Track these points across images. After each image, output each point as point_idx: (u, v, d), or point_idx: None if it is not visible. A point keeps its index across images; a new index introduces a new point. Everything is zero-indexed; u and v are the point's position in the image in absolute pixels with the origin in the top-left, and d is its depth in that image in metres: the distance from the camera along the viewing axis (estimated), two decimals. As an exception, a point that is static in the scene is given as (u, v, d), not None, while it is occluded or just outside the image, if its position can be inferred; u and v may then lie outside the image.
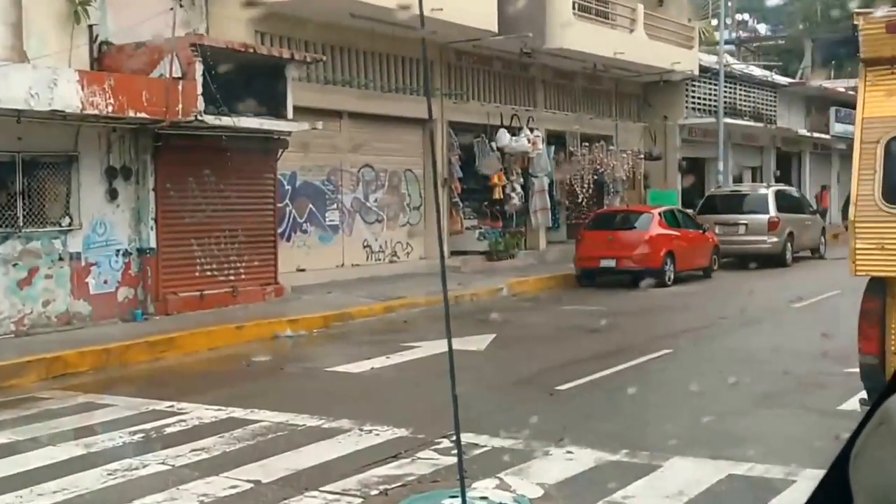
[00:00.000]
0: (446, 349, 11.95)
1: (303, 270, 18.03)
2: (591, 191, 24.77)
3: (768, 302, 17.20)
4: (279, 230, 16.83)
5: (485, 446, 7.61)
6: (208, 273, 15.10)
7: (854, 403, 8.77)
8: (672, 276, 19.98)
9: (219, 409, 9.03)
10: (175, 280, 14.64)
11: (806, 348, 12.06)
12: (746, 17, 67.97)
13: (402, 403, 9.61)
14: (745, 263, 23.12)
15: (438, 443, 7.73)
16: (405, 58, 20.16)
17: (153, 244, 14.29)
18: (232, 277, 15.43)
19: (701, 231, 21.65)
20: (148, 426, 8.49)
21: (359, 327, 14.75)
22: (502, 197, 21.99)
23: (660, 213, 20.57)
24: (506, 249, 21.99)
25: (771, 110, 33.58)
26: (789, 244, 24.31)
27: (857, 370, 11.02)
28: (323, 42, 18.17)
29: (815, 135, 36.26)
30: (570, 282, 20.27)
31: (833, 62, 49.33)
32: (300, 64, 16.20)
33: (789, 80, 35.37)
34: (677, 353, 11.95)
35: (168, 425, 8.54)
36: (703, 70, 28.36)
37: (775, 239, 23.71)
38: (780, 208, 24.06)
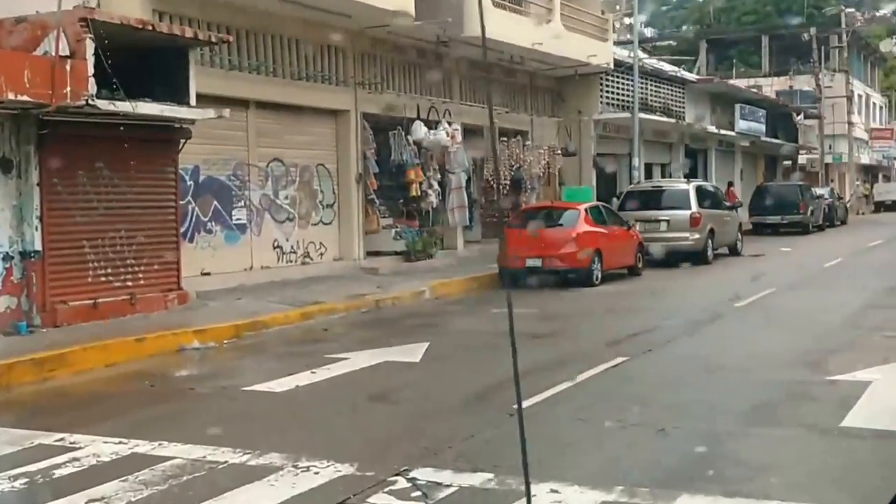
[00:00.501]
0: (378, 361, 10.39)
1: (208, 274, 16.27)
2: (508, 188, 23.54)
3: (706, 302, 16.13)
4: (181, 230, 15.06)
5: (451, 486, 6.16)
6: (103, 279, 13.24)
7: (853, 419, 7.64)
8: (599, 276, 18.83)
9: (119, 443, 7.37)
10: (64, 287, 12.76)
11: (772, 353, 10.94)
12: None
13: (341, 431, 8.07)
14: (666, 261, 22.13)
15: (393, 482, 6.26)
16: (319, 44, 18.56)
17: (38, 247, 12.38)
18: (129, 283, 13.60)
19: (626, 228, 20.58)
20: (33, 468, 6.79)
21: (275, 337, 13.13)
22: (419, 194, 20.54)
23: (586, 210, 19.38)
24: (424, 249, 20.54)
25: (680, 107, 32.91)
26: (710, 241, 23.47)
27: (841, 377, 10.02)
28: (228, 24, 16.45)
29: (722, 132, 35.78)
30: (494, 283, 18.94)
31: (734, 61, 49.44)
32: (203, 45, 14.49)
33: (697, 76, 34.75)
34: (634, 361, 10.67)
35: (58, 466, 6.85)
36: (616, 65, 27.39)
37: (697, 235, 22.81)
38: (700, 204, 23.20)
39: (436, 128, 20.64)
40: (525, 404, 8.54)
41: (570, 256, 18.33)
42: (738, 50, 62.66)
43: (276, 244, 18.14)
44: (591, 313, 15.45)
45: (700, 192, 23.68)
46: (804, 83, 55.45)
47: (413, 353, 11.39)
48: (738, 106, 37.33)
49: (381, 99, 20.15)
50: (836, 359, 10.47)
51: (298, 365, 10.75)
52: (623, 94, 28.47)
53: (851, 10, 59.92)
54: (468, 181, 22.27)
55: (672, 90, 32.35)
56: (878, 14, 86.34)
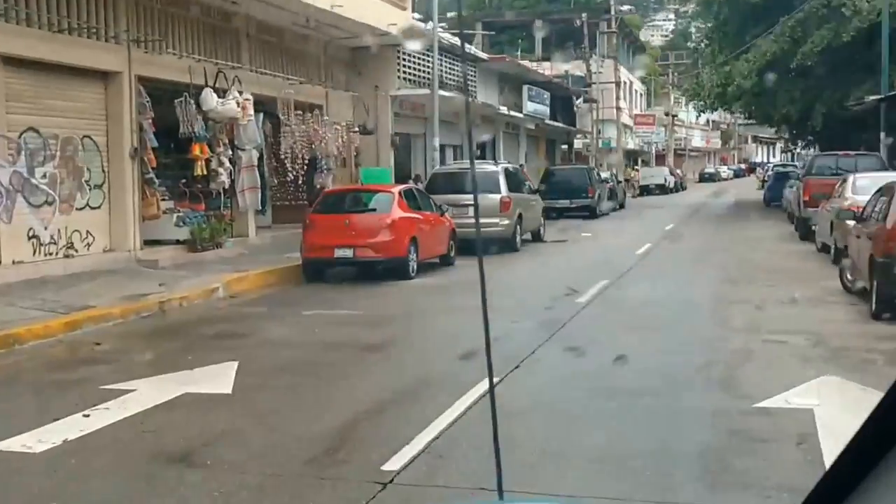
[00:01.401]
0: (175, 394, 7.12)
1: (-59, 272, 12.67)
2: (304, 168, 20.73)
3: (544, 298, 14.04)
4: None
5: None
6: None
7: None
8: (416, 267, 16.45)
9: None
10: None
11: (668, 369, 8.86)
12: None
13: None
14: (471, 248, 20.03)
15: None
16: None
17: None
18: None
19: (440, 213, 18.30)
20: None
21: (31, 357, 9.90)
22: (206, 173, 17.39)
23: (400, 194, 16.89)
24: (212, 238, 17.42)
25: (472, 85, 31.02)
26: (519, 227, 21.61)
27: (771, 405, 8.06)
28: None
29: (512, 113, 34.25)
30: (296, 276, 16.18)
31: (517, 45, 48.32)
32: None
33: (488, 55, 33.03)
34: (506, 385, 8.29)
35: None
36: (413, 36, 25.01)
37: (507, 221, 20.86)
38: (509, 188, 21.26)
39: (224, 97, 17.53)
40: (397, 462, 6.05)
41: (386, 245, 15.83)
42: (510, 35, 62.12)
43: (31, 234, 14.53)
44: (422, 314, 13.00)
45: (508, 175, 21.75)
46: (576, 69, 55.29)
47: (220, 379, 8.56)
48: (525, 87, 35.95)
49: (161, 60, 16.80)
50: (745, 376, 8.53)
51: (65, 403, 7.72)
52: (420, 70, 26.19)
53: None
54: (260, 158, 19.27)
55: (467, 69, 30.38)
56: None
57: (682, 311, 12.40)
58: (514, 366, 8.97)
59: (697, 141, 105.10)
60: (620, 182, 45.68)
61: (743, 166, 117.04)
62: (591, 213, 33.93)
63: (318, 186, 21.54)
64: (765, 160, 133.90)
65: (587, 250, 22.03)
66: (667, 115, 79.10)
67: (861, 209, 13.71)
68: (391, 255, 15.86)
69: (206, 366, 9.17)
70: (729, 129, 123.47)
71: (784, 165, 64.49)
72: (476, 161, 25.70)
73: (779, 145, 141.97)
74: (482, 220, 20.53)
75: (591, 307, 12.80)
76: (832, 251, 17.82)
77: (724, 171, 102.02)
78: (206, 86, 17.27)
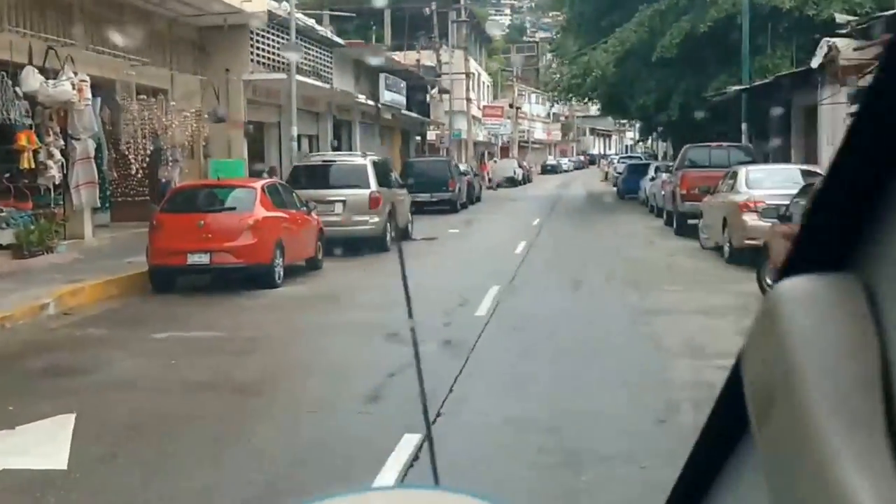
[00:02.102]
0: None
1: None
2: (147, 160, 18.20)
3: (437, 311, 12.09)
4: None
5: None
6: None
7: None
8: (282, 273, 14.32)
9: None
10: None
11: (620, 417, 7.15)
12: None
13: None
14: (336, 249, 18.06)
15: None
16: None
17: None
18: None
19: (306, 212, 16.19)
20: None
21: None
22: (34, 166, 14.70)
23: (263, 190, 14.65)
24: (41, 241, 14.75)
25: (328, 72, 28.82)
26: (389, 224, 19.68)
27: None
28: None
29: (370, 102, 32.23)
30: (142, 286, 13.77)
31: (370, 30, 46.29)
32: None
33: (346, 40, 30.85)
34: (445, 445, 6.36)
35: None
36: (269, 18, 22.71)
37: (377, 219, 18.90)
38: (379, 182, 19.32)
39: (56, 78, 14.87)
40: None
41: (248, 250, 13.61)
42: (356, 24, 59.92)
43: None
44: (298, 335, 10.91)
45: (377, 167, 19.77)
46: (426, 59, 53.66)
47: (52, 444, 6.34)
48: (382, 75, 33.99)
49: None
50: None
51: None
52: (275, 54, 23.86)
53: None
54: (97, 150, 16.64)
55: (321, 53, 28.21)
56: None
57: (599, 328, 10.75)
58: (435, 412, 7.06)
59: (539, 133, 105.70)
60: (477, 175, 44.37)
61: (582, 158, 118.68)
62: (452, 207, 32.33)
63: (164, 180, 19.04)
64: (601, 152, 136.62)
65: (462, 250, 20.32)
66: (511, 107, 78.56)
67: (784, 208, 12.42)
68: (254, 261, 13.66)
69: (32, 421, 6.91)
70: (569, 121, 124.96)
71: (630, 157, 65.00)
72: (341, 153, 23.65)
73: (615, 138, 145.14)
74: (349, 217, 18.62)
75: (494, 324, 10.98)
76: (726, 250, 16.76)
77: (565, 162, 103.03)
78: (30, 64, 14.55)
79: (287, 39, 22.97)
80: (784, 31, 30.41)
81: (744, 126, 28.43)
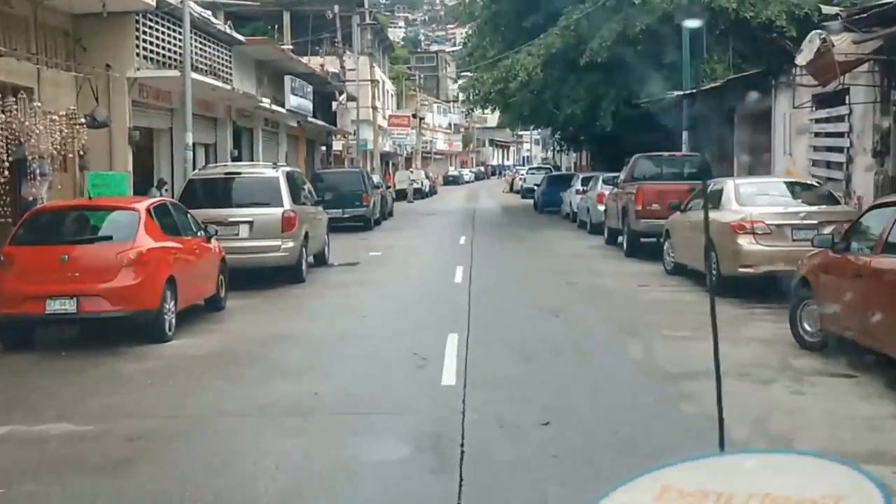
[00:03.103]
0: None
1: None
2: (6, 174, 14.44)
3: (389, 379, 8.92)
4: None
5: None
6: None
7: None
8: (174, 322, 10.89)
9: None
10: None
11: None
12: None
13: None
14: (240, 281, 14.75)
15: None
16: None
17: None
18: None
19: (206, 238, 12.78)
20: None
21: None
22: None
23: (149, 211, 11.14)
24: None
25: (227, 72, 25.23)
26: (305, 249, 16.38)
27: None
28: None
29: (275, 107, 28.68)
30: (-15, 343, 10.22)
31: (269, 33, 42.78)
32: None
33: (247, 37, 27.16)
34: None
35: None
36: (157, 7, 19.10)
37: (291, 243, 15.56)
38: (294, 197, 15.98)
39: None
40: None
41: (128, 293, 10.15)
42: (254, 27, 56.01)
43: None
44: (203, 427, 7.49)
45: (291, 181, 16.41)
46: (330, 65, 50.19)
47: None
48: (288, 78, 30.43)
49: None
50: None
51: None
52: (165, 48, 20.21)
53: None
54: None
55: (219, 51, 24.62)
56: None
57: (630, 412, 7.68)
58: None
59: (441, 144, 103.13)
60: (389, 188, 41.18)
61: (482, 169, 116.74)
62: (366, 224, 29.06)
63: (30, 199, 15.29)
64: (500, 163, 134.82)
65: (391, 279, 17.06)
66: (415, 117, 75.53)
67: (841, 233, 9.57)
68: (136, 308, 10.20)
69: None
70: (469, 132, 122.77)
71: (539, 168, 62.58)
72: (247, 164, 20.14)
73: (513, 149, 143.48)
74: (259, 243, 15.30)
75: (474, 400, 7.80)
76: (711, 278, 14.00)
77: (467, 174, 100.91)
78: None
79: (179, 32, 19.39)
80: (720, 34, 28.10)
81: (685, 135, 25.96)
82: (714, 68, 27.67)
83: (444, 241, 24.67)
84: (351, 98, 47.31)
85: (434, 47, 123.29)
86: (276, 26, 51.12)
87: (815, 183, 16.02)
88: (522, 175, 62.08)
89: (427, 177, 62.51)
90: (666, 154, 22.31)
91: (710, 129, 27.80)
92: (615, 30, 28.13)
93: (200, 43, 22.97)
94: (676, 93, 26.06)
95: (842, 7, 16.81)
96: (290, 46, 37.20)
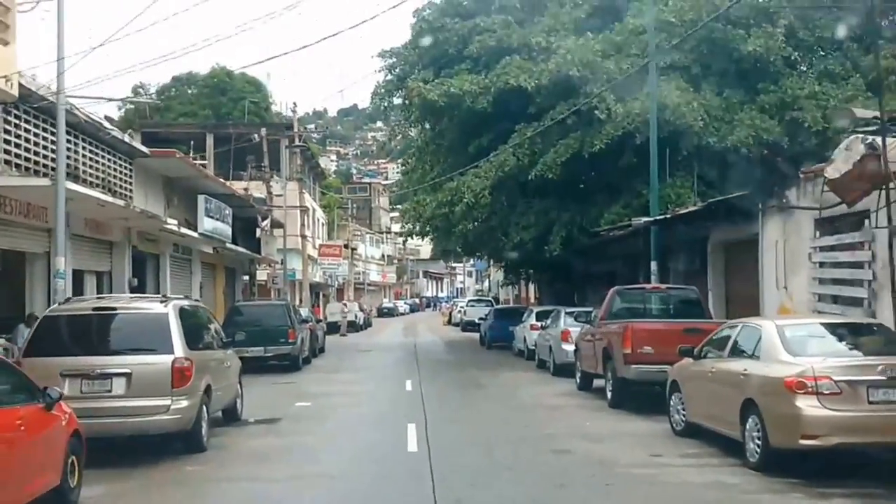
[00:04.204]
0: None
1: None
2: None
3: None
4: None
5: None
6: None
7: None
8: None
9: None
10: None
11: None
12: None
13: None
14: (116, 453, 10.66)
15: None
16: None
17: None
18: None
19: (44, 405, 8.64)
20: None
21: None
22: None
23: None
24: None
25: (127, 188, 21.36)
26: (206, 408, 12.23)
27: None
28: None
29: (185, 231, 24.75)
30: None
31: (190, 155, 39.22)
32: None
33: (151, 150, 23.30)
34: None
35: None
36: (25, 99, 15.32)
37: (185, 402, 11.41)
38: (190, 341, 11.91)
39: None
40: None
41: None
42: (175, 147, 52.51)
43: None
44: None
45: (187, 318, 12.35)
46: (256, 189, 46.57)
47: None
48: (202, 198, 26.64)
49: None
50: None
51: None
52: (38, 153, 16.32)
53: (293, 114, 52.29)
54: None
55: (117, 163, 20.81)
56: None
57: None
58: None
59: (374, 275, 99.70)
60: (320, 321, 37.07)
61: (417, 301, 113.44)
62: (293, 363, 24.91)
63: None
64: (434, 294, 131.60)
65: (325, 446, 12.86)
66: (346, 247, 71.98)
67: None
68: None
69: None
70: (402, 263, 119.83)
71: (479, 300, 59.08)
72: (132, 298, 16.00)
73: (447, 280, 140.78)
74: (137, 403, 11.22)
75: None
76: (753, 449, 10.24)
77: (402, 305, 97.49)
78: None
79: (53, 133, 15.54)
80: (683, 158, 25.23)
81: (653, 265, 22.57)
82: (678, 193, 24.68)
83: (387, 386, 20.62)
84: (278, 224, 43.59)
85: (366, 180, 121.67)
86: (196, 150, 47.62)
87: (868, 321, 12.49)
88: (461, 307, 58.43)
89: (361, 309, 58.58)
90: (649, 286, 18.78)
91: (678, 260, 24.63)
92: (572, 147, 25.09)
93: (92, 151, 19.15)
94: (644, 219, 22.80)
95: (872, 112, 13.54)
96: (205, 164, 33.48)
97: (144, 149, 21.96)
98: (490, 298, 61.20)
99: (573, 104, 24.90)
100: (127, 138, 20.57)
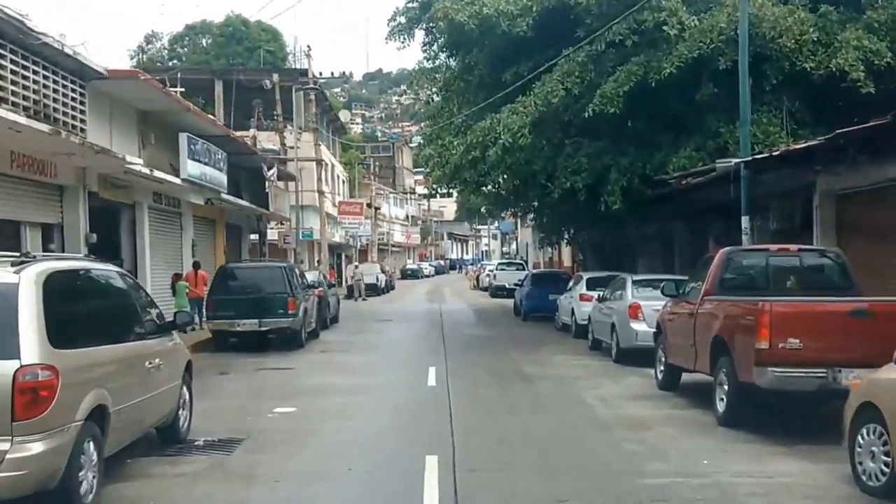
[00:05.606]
0: None
1: None
2: None
3: None
4: None
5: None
6: None
7: None
8: None
9: None
10: None
11: None
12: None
13: None
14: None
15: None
16: None
17: None
18: None
19: None
20: None
21: None
22: None
23: None
24: None
25: (76, 116, 16.17)
26: (94, 446, 7.06)
27: None
28: None
29: (160, 174, 19.51)
30: None
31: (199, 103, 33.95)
32: None
33: (107, 69, 17.96)
34: None
35: None
36: None
37: (39, 445, 6.23)
38: (71, 331, 6.74)
39: None
40: None
41: None
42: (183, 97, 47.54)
43: None
44: None
45: (63, 292, 7.13)
46: (267, 140, 41.38)
47: None
48: (184, 136, 21.37)
49: None
50: None
51: None
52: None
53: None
54: None
55: (61, 84, 15.57)
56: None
57: None
58: None
59: (398, 236, 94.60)
60: (333, 286, 31.93)
61: (442, 262, 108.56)
62: (294, 339, 19.81)
63: None
64: (459, 256, 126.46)
65: (302, 496, 7.73)
66: (370, 206, 66.77)
67: None
68: None
69: None
70: (427, 224, 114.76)
71: (510, 263, 53.77)
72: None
73: (472, 243, 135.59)
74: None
75: None
76: None
77: (426, 267, 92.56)
78: None
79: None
80: (772, 89, 19.70)
81: (745, 221, 17.20)
82: (766, 131, 19.25)
83: (403, 378, 15.40)
84: (290, 177, 38.40)
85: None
86: (206, 100, 42.45)
87: None
88: (490, 271, 53.15)
89: (383, 271, 53.47)
90: (774, 247, 13.15)
91: (767, 218, 19.27)
92: (636, 74, 19.68)
93: (15, 63, 13.94)
94: (735, 160, 17.44)
95: None
96: (214, 114, 28.20)
97: (99, 67, 16.68)
98: (520, 262, 55.81)
99: (634, 21, 19.60)
100: (69, 50, 15.25)
